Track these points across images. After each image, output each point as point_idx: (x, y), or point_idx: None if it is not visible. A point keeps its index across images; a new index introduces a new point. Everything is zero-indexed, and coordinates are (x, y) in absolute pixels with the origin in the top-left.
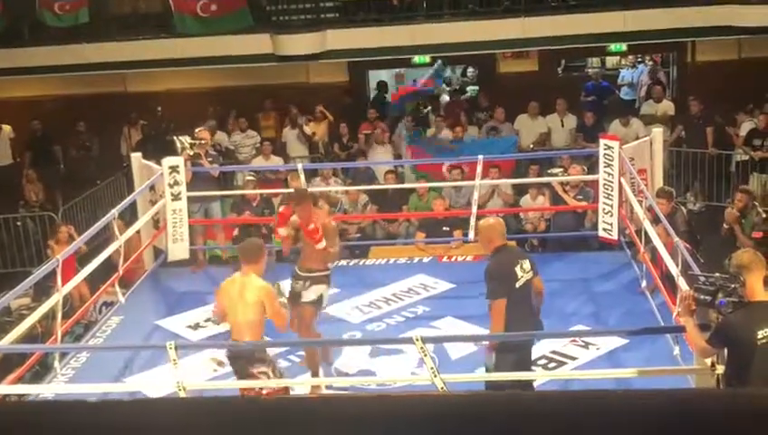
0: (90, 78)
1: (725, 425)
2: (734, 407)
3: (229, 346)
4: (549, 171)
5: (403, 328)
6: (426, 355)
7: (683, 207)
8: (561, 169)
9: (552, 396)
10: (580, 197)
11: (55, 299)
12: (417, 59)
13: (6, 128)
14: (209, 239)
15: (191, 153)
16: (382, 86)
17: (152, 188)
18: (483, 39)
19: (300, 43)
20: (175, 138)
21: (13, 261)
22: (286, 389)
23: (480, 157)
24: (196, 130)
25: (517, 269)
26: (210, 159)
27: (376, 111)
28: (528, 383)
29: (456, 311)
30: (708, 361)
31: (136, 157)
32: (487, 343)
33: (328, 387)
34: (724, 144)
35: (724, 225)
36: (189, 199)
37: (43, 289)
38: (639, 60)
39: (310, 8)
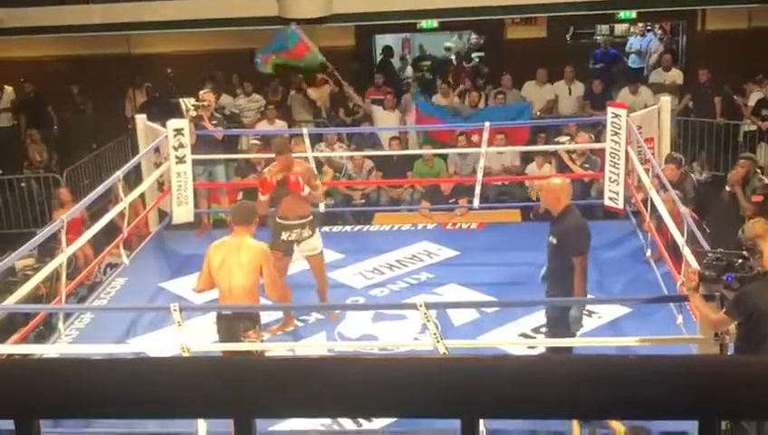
0: (93, 39)
1: (731, 390)
2: (746, 374)
3: (237, 307)
4: (555, 139)
5: (406, 294)
6: (429, 321)
7: (692, 175)
8: (568, 138)
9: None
10: (587, 165)
11: (60, 260)
12: (424, 23)
13: (8, 89)
14: (213, 203)
15: (194, 114)
16: (388, 51)
17: (157, 150)
18: (491, 4)
19: (306, 7)
20: (180, 100)
21: (17, 222)
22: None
23: (487, 124)
24: (201, 93)
25: (589, 230)
26: (215, 123)
27: (383, 76)
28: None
29: (459, 278)
30: (711, 332)
31: (140, 119)
32: None
33: (330, 351)
34: (732, 114)
35: (726, 187)
36: (194, 162)
37: (47, 250)
38: (648, 28)
39: None
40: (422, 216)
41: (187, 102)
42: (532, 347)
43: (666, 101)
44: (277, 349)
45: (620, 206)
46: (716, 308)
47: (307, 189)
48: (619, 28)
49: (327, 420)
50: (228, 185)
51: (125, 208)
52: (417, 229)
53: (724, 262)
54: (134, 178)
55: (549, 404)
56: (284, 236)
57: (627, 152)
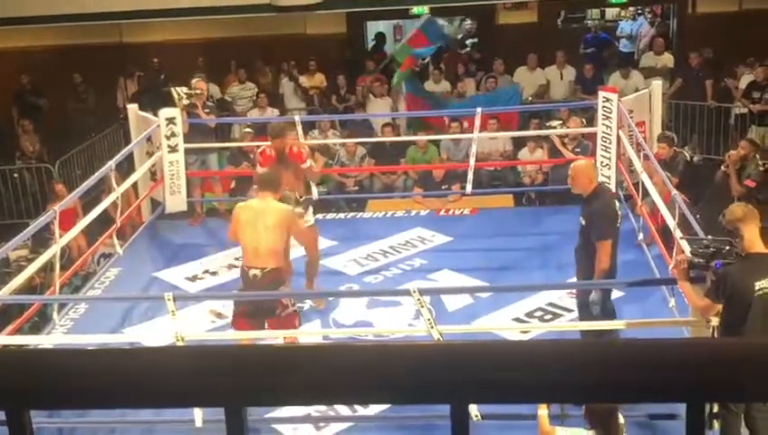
0: (85, 28)
1: (718, 373)
2: (729, 355)
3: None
4: (547, 124)
5: (400, 280)
6: (423, 307)
7: (685, 153)
8: (560, 122)
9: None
10: (578, 150)
11: (53, 250)
12: (415, 9)
13: None
14: (206, 192)
15: (186, 103)
16: (380, 38)
17: (149, 139)
18: None
19: None
20: (172, 89)
21: (10, 212)
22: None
23: (478, 110)
24: (193, 81)
25: (617, 208)
26: (207, 111)
27: (374, 63)
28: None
29: (452, 263)
30: None
31: (132, 108)
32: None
33: (325, 338)
34: (723, 97)
35: (722, 167)
36: (186, 151)
37: (41, 241)
38: (639, 12)
39: None
40: (415, 202)
41: (179, 91)
42: (526, 331)
43: (657, 84)
44: (274, 336)
45: (612, 190)
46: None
47: (309, 162)
48: (610, 12)
49: (322, 407)
50: (221, 173)
51: (118, 198)
52: (411, 216)
53: (712, 249)
54: (126, 167)
55: (536, 388)
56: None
57: (618, 136)
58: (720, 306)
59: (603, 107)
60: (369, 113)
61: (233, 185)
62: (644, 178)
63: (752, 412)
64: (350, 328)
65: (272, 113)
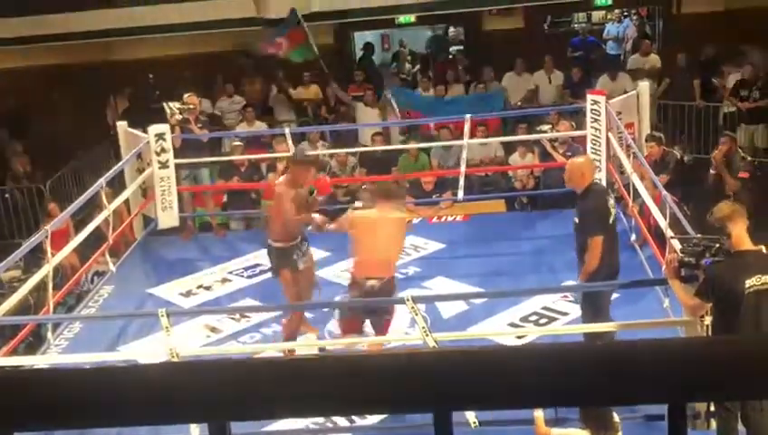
0: (72, 47)
1: (712, 371)
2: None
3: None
4: (538, 128)
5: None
6: (417, 315)
7: (675, 152)
8: (550, 126)
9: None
10: (569, 153)
11: (46, 270)
12: (402, 19)
13: None
14: (198, 206)
15: (179, 118)
16: (368, 48)
17: (139, 156)
18: None
19: (285, 6)
20: (164, 104)
21: (2, 233)
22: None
23: (467, 116)
24: (185, 96)
25: (609, 205)
26: (200, 125)
27: (363, 73)
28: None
29: (446, 271)
30: None
31: (122, 125)
32: None
33: (321, 349)
34: (710, 96)
35: (711, 170)
36: (178, 166)
37: (33, 261)
38: (625, 14)
39: None
40: (408, 210)
41: (171, 106)
42: (521, 336)
43: (644, 85)
44: (269, 349)
45: (605, 187)
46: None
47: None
48: (596, 15)
49: (319, 419)
50: (213, 187)
51: (109, 216)
52: None
53: (701, 247)
54: (118, 185)
55: (518, 394)
56: (295, 256)
57: (608, 138)
58: (709, 305)
59: (592, 110)
60: (359, 123)
61: (224, 199)
62: (634, 178)
63: (746, 410)
64: (346, 338)
65: (260, 126)
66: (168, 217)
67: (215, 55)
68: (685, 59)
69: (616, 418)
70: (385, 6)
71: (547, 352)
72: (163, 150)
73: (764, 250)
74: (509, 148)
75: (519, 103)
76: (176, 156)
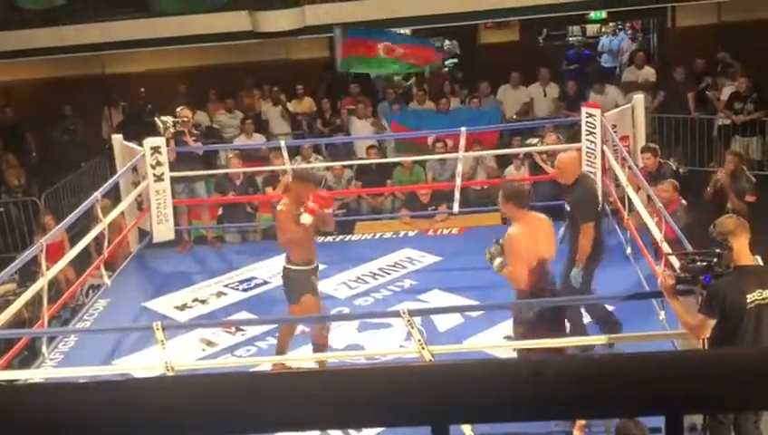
0: (67, 60)
1: (710, 383)
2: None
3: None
4: (527, 142)
5: (390, 302)
6: (413, 328)
7: (671, 163)
8: (538, 139)
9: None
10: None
11: (41, 284)
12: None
13: None
14: (194, 219)
15: (174, 131)
16: None
17: (135, 169)
18: (463, 10)
19: (279, 20)
20: (156, 118)
21: None
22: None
23: (463, 129)
24: (178, 109)
25: (599, 195)
26: (194, 138)
27: (358, 86)
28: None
29: (442, 283)
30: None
31: (117, 138)
32: None
33: (317, 362)
34: (704, 108)
35: (708, 189)
36: (174, 179)
37: (28, 274)
38: (620, 27)
39: None
40: (403, 223)
41: (164, 120)
42: (518, 349)
43: (639, 98)
44: (265, 362)
45: (593, 177)
46: (695, 310)
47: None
48: (591, 29)
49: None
50: (209, 201)
51: (104, 229)
52: (399, 237)
53: (699, 263)
54: (113, 198)
55: (515, 407)
56: (314, 280)
57: (603, 151)
58: (713, 322)
59: (587, 122)
60: (354, 136)
61: (220, 212)
62: (629, 191)
63: (740, 421)
64: (342, 351)
65: (259, 139)
66: (163, 231)
67: (210, 68)
68: (681, 72)
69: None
70: (380, 20)
71: (543, 364)
72: (159, 163)
73: (761, 261)
74: (505, 161)
75: (514, 117)
76: (171, 169)
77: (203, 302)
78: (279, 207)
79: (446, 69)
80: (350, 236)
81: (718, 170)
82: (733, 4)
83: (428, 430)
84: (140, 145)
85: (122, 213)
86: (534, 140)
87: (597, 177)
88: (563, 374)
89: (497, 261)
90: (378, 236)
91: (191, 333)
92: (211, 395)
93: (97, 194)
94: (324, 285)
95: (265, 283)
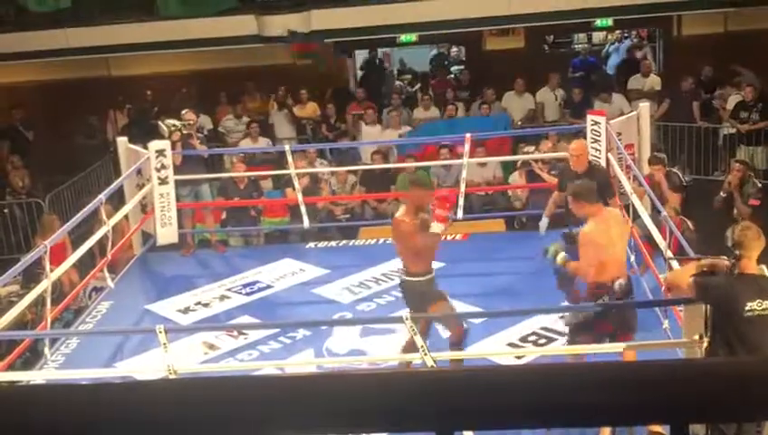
0: (72, 63)
1: (714, 392)
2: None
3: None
4: (524, 150)
5: (393, 308)
6: (416, 334)
7: (677, 172)
8: (533, 147)
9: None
10: (553, 172)
11: (44, 285)
12: (402, 38)
13: None
14: (198, 223)
15: (181, 134)
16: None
17: (139, 172)
18: (469, 16)
19: (284, 24)
20: (159, 122)
21: (0, 248)
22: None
23: (467, 135)
24: (183, 112)
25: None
26: (199, 141)
27: (364, 91)
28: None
29: (445, 289)
30: (696, 335)
31: (122, 141)
32: None
33: (319, 367)
34: (709, 117)
35: (722, 193)
36: (179, 183)
37: (32, 276)
38: (626, 35)
39: None
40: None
41: (169, 124)
42: (520, 356)
43: (644, 106)
44: (266, 366)
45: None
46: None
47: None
48: (597, 36)
49: None
50: (213, 204)
51: (108, 232)
52: None
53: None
54: (117, 200)
55: (518, 414)
56: (437, 283)
57: (608, 159)
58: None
59: (592, 130)
60: (361, 141)
61: (224, 216)
62: (634, 199)
63: (742, 432)
64: (344, 357)
65: (265, 143)
66: (167, 234)
67: (215, 72)
68: (690, 81)
69: None
70: (386, 26)
71: (547, 372)
72: (163, 167)
73: (766, 271)
74: (509, 168)
75: (520, 123)
76: (176, 172)
77: (206, 305)
78: (401, 219)
79: (452, 75)
80: (353, 241)
81: (728, 181)
82: (739, 13)
83: None
84: (145, 148)
85: (126, 216)
86: (530, 148)
87: None
88: (567, 382)
89: (561, 255)
90: (381, 241)
91: (194, 337)
92: (213, 398)
93: (101, 196)
94: (327, 290)
95: (268, 287)
